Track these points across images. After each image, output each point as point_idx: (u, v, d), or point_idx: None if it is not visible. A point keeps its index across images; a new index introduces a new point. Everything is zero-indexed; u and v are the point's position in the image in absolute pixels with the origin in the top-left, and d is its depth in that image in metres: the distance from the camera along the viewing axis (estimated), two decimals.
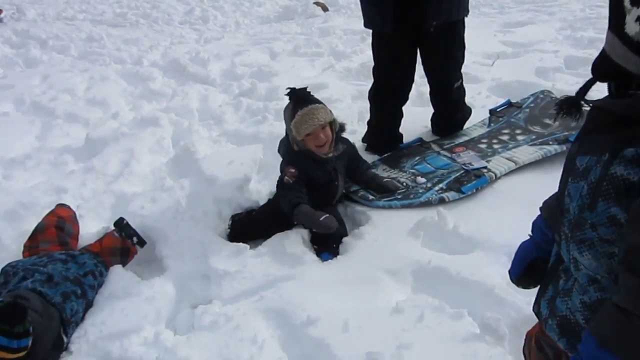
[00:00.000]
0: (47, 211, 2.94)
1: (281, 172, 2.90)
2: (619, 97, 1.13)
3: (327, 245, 2.75)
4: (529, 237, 1.64)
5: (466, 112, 3.77)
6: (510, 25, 6.84)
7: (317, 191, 2.91)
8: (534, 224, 1.62)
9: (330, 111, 2.86)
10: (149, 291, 2.46)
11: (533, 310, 1.57)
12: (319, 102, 2.83)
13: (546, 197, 1.56)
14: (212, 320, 2.28)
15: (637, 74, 1.05)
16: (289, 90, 2.84)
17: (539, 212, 1.61)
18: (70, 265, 2.42)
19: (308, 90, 2.87)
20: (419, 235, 2.72)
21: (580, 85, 1.24)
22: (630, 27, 1.02)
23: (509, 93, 4.44)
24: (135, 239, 2.78)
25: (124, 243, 2.73)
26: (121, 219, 2.83)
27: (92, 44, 7.61)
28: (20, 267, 2.37)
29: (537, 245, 1.59)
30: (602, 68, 1.14)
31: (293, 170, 2.83)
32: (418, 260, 2.53)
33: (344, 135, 3.09)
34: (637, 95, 1.09)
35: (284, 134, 2.97)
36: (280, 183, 2.86)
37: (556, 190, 1.40)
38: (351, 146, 3.15)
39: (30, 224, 2.89)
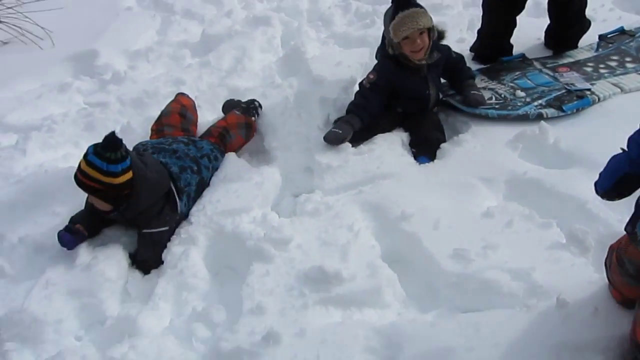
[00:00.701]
0: (169, 100, 3.23)
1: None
2: None
3: (425, 149, 2.86)
4: (621, 151, 1.64)
5: (585, 25, 3.59)
6: None
7: (408, 99, 3.00)
8: (630, 139, 1.60)
9: (431, 18, 2.85)
10: (258, 177, 2.72)
11: (625, 229, 1.61)
12: (420, 6, 2.84)
13: None
14: (313, 207, 2.51)
15: None
16: None
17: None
18: (191, 147, 2.71)
19: None
20: (518, 147, 2.75)
21: None
22: None
23: (636, 7, 4.13)
24: (257, 103, 3.14)
25: (247, 119, 3.02)
26: (235, 101, 3.20)
27: None
28: (149, 145, 2.69)
29: (631, 161, 1.58)
30: None
31: (372, 76, 2.97)
32: (513, 170, 2.59)
33: (445, 42, 3.09)
34: None
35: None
36: (359, 85, 3.03)
37: None
38: (447, 54, 3.12)
39: (154, 111, 3.21)
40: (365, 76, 3.04)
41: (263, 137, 3.07)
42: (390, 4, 2.89)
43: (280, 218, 2.52)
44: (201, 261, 2.36)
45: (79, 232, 2.41)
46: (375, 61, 3.15)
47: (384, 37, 3.00)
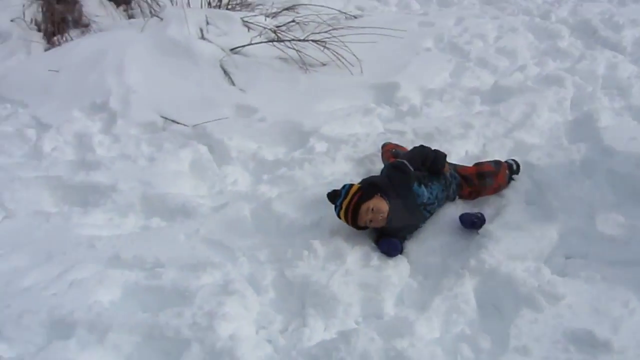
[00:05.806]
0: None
1: None
2: None
3: None
4: None
5: None
6: None
7: None
8: None
9: None
10: (537, 232, 2.93)
11: None
12: None
13: None
14: (587, 275, 2.65)
15: None
16: None
17: None
18: None
19: None
20: None
21: None
22: None
23: None
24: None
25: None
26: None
27: None
28: None
29: None
30: None
31: None
32: None
33: None
34: None
35: None
36: None
37: None
38: None
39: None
40: None
41: (545, 194, 3.22)
42: None
43: (553, 275, 2.68)
44: (472, 292, 2.65)
45: None
46: None
47: None
